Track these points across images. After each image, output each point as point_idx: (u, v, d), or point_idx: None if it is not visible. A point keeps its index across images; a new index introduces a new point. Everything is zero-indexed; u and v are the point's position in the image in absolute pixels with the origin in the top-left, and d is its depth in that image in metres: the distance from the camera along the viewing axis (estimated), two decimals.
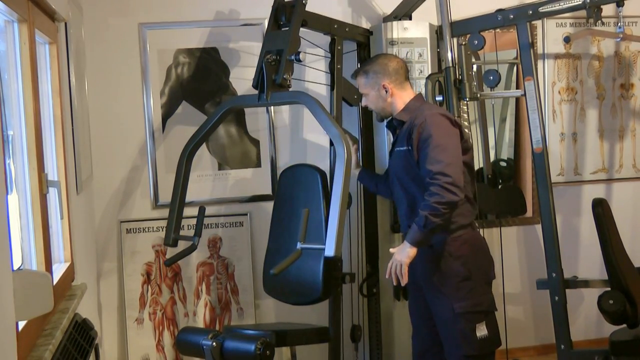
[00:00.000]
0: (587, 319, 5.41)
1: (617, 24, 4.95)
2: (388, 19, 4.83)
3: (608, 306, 4.19)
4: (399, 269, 3.50)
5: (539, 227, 4.82)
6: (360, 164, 4.45)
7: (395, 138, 3.83)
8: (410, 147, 3.62)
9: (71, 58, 3.87)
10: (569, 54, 5.37)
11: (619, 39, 5.32)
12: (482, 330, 3.64)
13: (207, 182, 4.90)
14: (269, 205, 4.67)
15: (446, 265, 3.60)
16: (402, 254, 3.51)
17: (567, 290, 4.51)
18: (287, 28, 4.21)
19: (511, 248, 5.28)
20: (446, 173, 3.42)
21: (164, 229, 4.41)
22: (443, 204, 3.41)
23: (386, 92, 3.78)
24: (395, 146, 3.78)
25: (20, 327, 2.36)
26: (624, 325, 4.26)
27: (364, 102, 3.93)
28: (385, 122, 4.03)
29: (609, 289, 4.24)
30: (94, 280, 4.62)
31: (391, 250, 3.61)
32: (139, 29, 4.77)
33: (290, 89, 4.14)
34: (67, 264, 3.49)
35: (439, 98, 4.29)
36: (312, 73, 4.81)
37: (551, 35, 5.33)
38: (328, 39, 4.68)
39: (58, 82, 3.56)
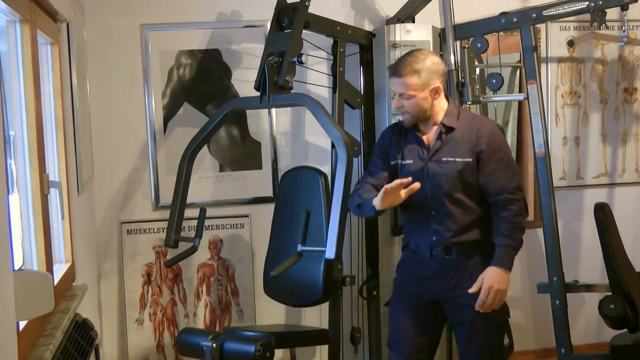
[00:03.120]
0: (587, 323, 5.42)
1: (621, 27, 4.98)
2: (391, 21, 4.84)
3: (609, 310, 4.20)
4: (500, 298, 3.38)
5: (540, 231, 4.83)
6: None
7: (438, 145, 3.49)
8: (472, 159, 3.44)
9: (73, 59, 3.88)
10: (573, 58, 5.38)
11: (622, 43, 5.32)
12: (506, 339, 3.65)
13: (208, 183, 4.92)
14: (270, 207, 4.68)
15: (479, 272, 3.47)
16: (502, 282, 3.36)
17: (568, 294, 4.52)
18: (289, 30, 4.22)
19: None
20: (521, 189, 3.46)
21: (165, 230, 4.43)
22: (523, 221, 3.46)
23: (436, 94, 3.49)
24: (440, 155, 3.48)
25: (21, 327, 2.37)
26: (625, 330, 4.28)
27: (400, 104, 3.48)
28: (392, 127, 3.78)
29: (610, 293, 4.26)
30: (95, 280, 4.63)
31: (474, 289, 3.36)
32: (141, 30, 4.78)
33: (292, 91, 4.15)
34: (68, 265, 3.50)
35: None
36: (314, 75, 4.82)
37: (555, 38, 5.34)
38: (330, 41, 4.69)
39: (60, 83, 3.57)
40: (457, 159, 3.45)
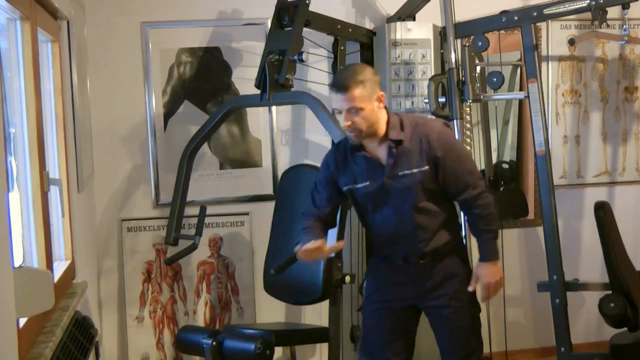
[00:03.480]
0: (587, 322, 5.42)
1: (623, 26, 4.96)
2: (391, 19, 4.85)
3: (609, 309, 4.21)
4: (499, 287, 3.45)
5: (540, 230, 4.84)
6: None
7: (392, 161, 3.34)
8: (430, 166, 3.32)
9: (73, 56, 3.89)
10: (574, 57, 5.38)
11: (623, 42, 5.32)
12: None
13: (208, 181, 4.92)
14: (270, 205, 4.68)
15: (462, 272, 3.50)
16: (497, 274, 3.43)
17: (568, 293, 4.53)
18: (290, 28, 4.23)
19: (512, 250, 5.30)
20: (480, 177, 3.44)
21: (165, 228, 4.45)
22: (492, 209, 3.43)
23: (380, 103, 3.31)
24: (396, 170, 3.33)
25: (21, 324, 2.38)
26: (625, 329, 4.28)
27: (349, 120, 3.24)
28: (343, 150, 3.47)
29: (610, 292, 4.27)
30: (95, 278, 4.64)
31: (473, 287, 3.40)
32: (142, 27, 4.78)
33: (293, 89, 4.16)
34: (68, 262, 3.51)
35: (441, 99, 4.31)
36: (315, 73, 4.82)
37: (556, 37, 5.34)
38: (331, 39, 4.70)
39: (60, 81, 3.58)
40: (415, 170, 3.32)
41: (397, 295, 3.50)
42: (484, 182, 3.48)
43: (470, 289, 3.40)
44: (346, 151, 3.45)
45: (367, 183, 3.38)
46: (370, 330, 3.60)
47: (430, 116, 4.60)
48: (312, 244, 3.27)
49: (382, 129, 3.32)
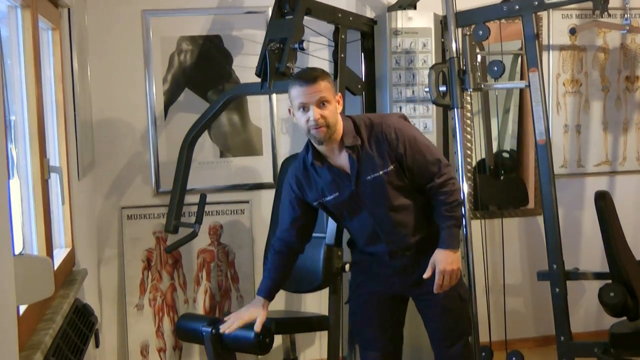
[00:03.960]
0: (587, 311, 5.43)
1: (624, 15, 4.98)
2: (392, 8, 4.84)
3: (609, 299, 4.21)
4: (455, 277, 3.36)
5: (540, 219, 4.84)
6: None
7: (355, 167, 3.28)
8: (395, 164, 3.28)
9: (74, 44, 3.88)
10: (575, 46, 5.37)
11: (625, 31, 5.32)
12: None
13: (208, 169, 4.92)
14: (270, 194, 4.69)
15: None
16: (454, 262, 3.33)
17: (568, 282, 4.54)
18: (291, 16, 4.22)
19: (512, 239, 5.30)
20: (445, 162, 3.39)
21: (165, 216, 4.45)
22: (458, 196, 3.40)
23: (338, 104, 3.28)
24: (363, 175, 3.29)
25: (21, 312, 2.38)
26: (624, 318, 4.29)
27: (318, 114, 3.15)
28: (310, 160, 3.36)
29: (610, 281, 4.27)
30: (95, 266, 4.65)
31: (428, 274, 3.33)
32: (142, 15, 4.78)
33: None
34: (68, 250, 3.51)
35: (442, 88, 4.30)
36: (316, 62, 4.81)
37: (557, 26, 5.33)
38: (332, 27, 4.69)
39: (60, 68, 3.58)
40: (380, 173, 3.28)
41: (384, 286, 3.51)
42: (451, 169, 3.42)
43: (425, 276, 3.34)
44: (307, 167, 3.39)
45: (337, 194, 3.34)
46: (360, 322, 3.62)
47: (431, 105, 4.62)
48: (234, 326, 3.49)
49: (340, 132, 3.25)
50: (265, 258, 4.02)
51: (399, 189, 3.32)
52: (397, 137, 3.28)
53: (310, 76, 3.19)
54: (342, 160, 3.30)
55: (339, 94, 3.30)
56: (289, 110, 3.31)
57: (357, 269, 3.63)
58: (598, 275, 4.56)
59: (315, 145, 3.29)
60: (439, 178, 3.33)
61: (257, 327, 3.47)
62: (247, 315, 3.50)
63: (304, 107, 3.18)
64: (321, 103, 3.16)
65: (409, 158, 3.29)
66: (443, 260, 3.33)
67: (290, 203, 3.47)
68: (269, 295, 3.55)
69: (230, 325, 3.49)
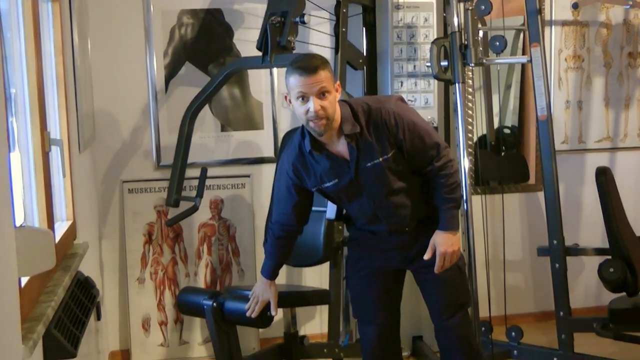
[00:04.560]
0: (586, 287, 5.44)
1: None
2: None
3: (608, 274, 4.23)
4: (456, 257, 3.39)
5: (541, 195, 4.83)
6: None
7: (355, 155, 3.23)
8: (394, 150, 3.24)
9: (74, 17, 3.87)
10: (577, 21, 5.34)
11: (628, 6, 5.28)
12: None
13: (209, 143, 4.92)
14: (271, 168, 4.68)
15: None
16: (454, 244, 3.35)
17: (568, 258, 4.55)
18: None
19: (513, 215, 5.31)
20: (444, 145, 3.36)
21: (166, 190, 4.44)
22: (457, 178, 3.39)
23: (336, 94, 3.21)
24: (363, 163, 3.24)
25: (22, 284, 2.39)
26: (624, 294, 4.30)
27: (319, 106, 3.08)
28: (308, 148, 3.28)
29: (609, 257, 4.28)
30: (96, 239, 4.65)
31: (429, 256, 3.35)
32: None
33: (295, 52, 4.14)
34: (69, 223, 3.52)
35: (444, 63, 4.28)
36: (317, 36, 4.79)
37: (559, 1, 5.29)
38: (333, 1, 4.66)
39: (61, 41, 3.56)
40: (380, 159, 3.24)
41: (384, 261, 3.52)
42: (450, 151, 3.40)
43: (425, 257, 3.36)
44: (304, 154, 3.32)
45: (336, 181, 3.31)
46: (360, 297, 3.63)
47: (432, 80, 4.61)
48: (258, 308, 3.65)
49: (338, 120, 3.19)
50: (265, 238, 4.02)
51: (398, 172, 3.30)
52: (397, 123, 3.22)
53: (311, 66, 3.09)
54: (341, 147, 3.25)
55: (338, 82, 3.23)
56: (286, 97, 3.25)
57: (355, 245, 3.62)
58: (598, 251, 4.57)
59: (313, 134, 3.23)
60: (438, 161, 3.32)
61: (274, 311, 3.65)
62: (263, 297, 3.65)
63: (303, 97, 3.10)
64: (321, 94, 3.08)
65: (408, 143, 3.25)
66: (444, 243, 3.35)
67: (287, 189, 3.44)
68: (274, 276, 3.67)
69: (255, 309, 3.65)
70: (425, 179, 3.39)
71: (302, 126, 3.28)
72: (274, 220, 3.59)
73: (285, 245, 3.61)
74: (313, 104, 3.07)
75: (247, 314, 3.66)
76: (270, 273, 3.64)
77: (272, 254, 3.62)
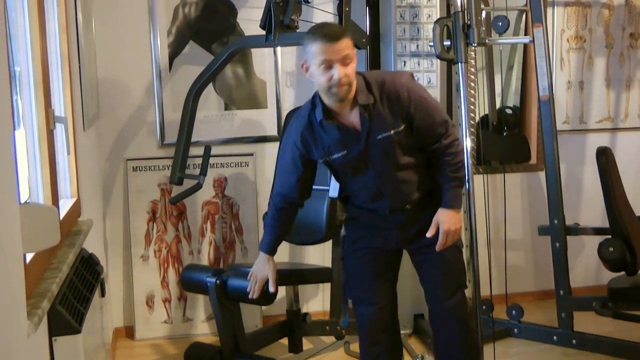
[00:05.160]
0: (586, 266, 5.44)
1: None
2: None
3: (608, 254, 4.23)
4: (457, 235, 3.40)
5: (542, 174, 4.83)
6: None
7: (366, 126, 3.21)
8: (405, 124, 3.23)
9: None
10: (579, 2, 5.31)
11: None
12: None
13: (213, 122, 4.91)
14: (274, 146, 4.67)
15: None
16: (457, 222, 3.35)
17: (568, 237, 4.56)
18: None
19: (514, 194, 5.30)
20: (452, 125, 3.35)
21: (170, 168, 4.44)
22: (462, 157, 3.40)
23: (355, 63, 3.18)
24: (373, 135, 3.22)
25: (27, 260, 2.39)
26: (623, 273, 4.31)
27: (344, 72, 3.07)
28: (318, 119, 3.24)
29: (609, 236, 4.28)
30: (100, 216, 4.65)
31: (432, 233, 3.34)
32: None
33: (298, 31, 4.12)
34: (74, 200, 3.51)
35: (446, 43, 4.26)
36: (320, 15, 4.77)
37: None
38: None
39: (65, 20, 3.54)
40: (391, 132, 3.22)
41: (383, 241, 3.48)
42: (455, 130, 3.41)
43: (428, 235, 3.35)
44: (313, 124, 3.29)
45: (344, 152, 3.27)
46: (357, 278, 3.57)
47: (435, 59, 4.59)
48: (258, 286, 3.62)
49: (354, 90, 3.17)
50: (265, 213, 4.01)
51: (406, 148, 3.28)
52: (409, 97, 3.21)
53: (335, 33, 3.08)
54: (353, 118, 3.23)
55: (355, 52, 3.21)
56: (302, 66, 3.20)
57: (354, 225, 3.57)
58: (598, 231, 4.56)
59: (328, 102, 3.20)
60: (446, 139, 3.31)
61: (273, 288, 3.59)
62: (261, 276, 3.60)
63: (327, 64, 3.07)
64: (345, 61, 3.07)
65: (418, 119, 3.24)
66: (447, 221, 3.34)
67: (293, 160, 3.39)
68: (272, 252, 3.62)
69: (255, 289, 3.62)
70: (430, 156, 3.37)
71: (313, 96, 3.28)
72: (275, 192, 3.55)
73: (286, 218, 3.57)
74: (338, 71, 3.05)
75: (249, 296, 3.64)
76: (269, 247, 3.60)
77: (272, 226, 3.58)
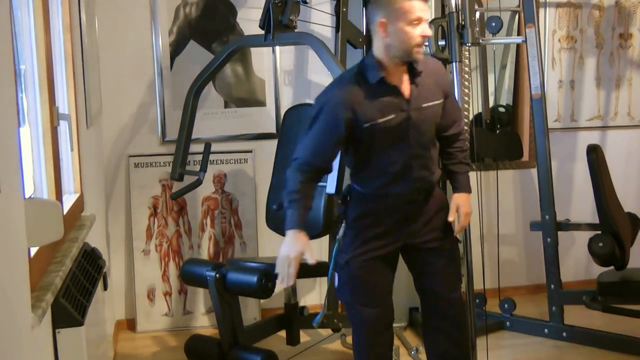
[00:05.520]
0: (577, 261, 5.45)
1: None
2: None
3: (598, 249, 4.24)
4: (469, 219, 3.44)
5: (534, 171, 4.84)
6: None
7: (415, 92, 3.16)
8: (442, 99, 3.25)
9: None
10: (570, 3, 5.32)
11: None
12: None
13: (213, 119, 4.91)
14: (273, 143, 4.66)
15: (447, 204, 3.43)
16: (470, 205, 3.41)
17: (559, 233, 4.56)
18: None
19: (507, 191, 5.31)
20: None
21: (171, 164, 4.44)
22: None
23: None
24: (419, 102, 3.17)
25: (32, 254, 2.39)
26: (612, 267, 4.32)
27: (430, 31, 3.22)
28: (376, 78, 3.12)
29: (599, 232, 4.29)
30: (103, 211, 4.65)
31: (453, 217, 3.35)
32: None
33: (296, 30, 4.12)
34: (77, 195, 3.51)
35: (441, 42, 4.25)
36: (318, 15, 4.77)
37: None
38: None
39: (69, 19, 3.54)
40: (435, 102, 3.22)
41: (391, 238, 3.32)
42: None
43: (450, 218, 3.35)
44: (364, 86, 3.13)
45: (392, 116, 3.12)
46: (363, 282, 3.35)
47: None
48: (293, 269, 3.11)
49: None
50: (269, 199, 4.00)
51: (436, 125, 3.29)
52: (444, 74, 3.33)
53: None
54: (404, 84, 3.17)
55: None
56: (382, 23, 3.06)
57: (360, 226, 3.33)
58: (588, 226, 4.57)
59: (392, 63, 3.11)
60: (459, 126, 3.38)
61: (313, 259, 3.13)
62: (295, 254, 3.12)
63: (419, 22, 3.02)
64: (425, 22, 3.06)
65: (449, 100, 3.32)
66: (465, 204, 3.39)
67: (335, 124, 3.12)
68: (302, 225, 3.18)
69: (290, 274, 3.13)
70: (442, 144, 3.39)
71: (362, 61, 3.21)
72: (302, 163, 3.19)
73: (313, 190, 3.24)
74: (427, 29, 3.04)
75: (283, 286, 3.29)
76: (299, 220, 3.15)
77: (300, 199, 3.16)
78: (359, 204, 3.35)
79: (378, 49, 3.13)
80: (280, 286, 3.25)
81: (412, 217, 3.33)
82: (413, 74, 3.16)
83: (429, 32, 3.07)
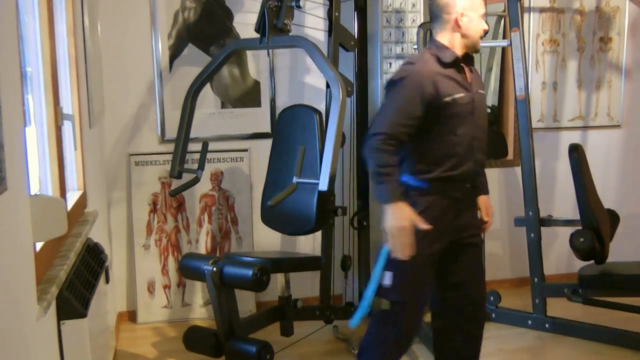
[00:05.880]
0: (559, 255, 5.47)
1: None
2: None
3: (579, 244, 4.26)
4: None
5: (518, 170, 4.86)
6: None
7: (471, 78, 3.24)
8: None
9: (85, 1, 3.85)
10: (554, 8, 5.34)
11: None
12: None
13: (210, 119, 4.91)
14: (268, 142, 4.68)
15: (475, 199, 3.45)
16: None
17: (542, 228, 4.58)
18: None
19: (492, 188, 5.25)
20: None
21: (170, 162, 4.45)
22: None
23: None
24: (475, 87, 3.24)
25: (37, 248, 2.40)
26: (592, 262, 4.34)
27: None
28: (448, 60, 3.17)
29: (580, 228, 4.31)
30: (105, 208, 4.66)
31: (490, 217, 3.46)
32: None
33: (290, 34, 4.13)
34: (80, 192, 3.52)
35: None
36: (311, 19, 4.78)
37: None
38: None
39: (72, 23, 3.55)
40: (483, 91, 3.32)
41: (448, 237, 3.23)
42: None
43: (487, 218, 3.44)
44: (439, 63, 3.16)
45: (463, 94, 3.14)
46: (423, 280, 3.24)
47: None
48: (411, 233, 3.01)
49: None
50: (264, 196, 3.97)
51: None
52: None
53: None
54: (466, 69, 3.25)
55: None
56: (461, 15, 3.16)
57: (427, 217, 3.10)
58: (569, 222, 4.59)
59: (462, 50, 3.21)
60: None
61: (426, 225, 3.03)
62: (410, 223, 3.01)
63: (483, 17, 3.22)
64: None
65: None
66: (490, 205, 3.47)
67: (420, 98, 3.05)
68: (402, 197, 3.05)
69: (411, 244, 3.01)
70: None
71: (432, 46, 3.24)
72: (389, 133, 3.04)
73: (398, 160, 3.13)
74: (485, 23, 3.24)
75: (404, 256, 3.02)
76: (398, 191, 3.03)
77: (392, 173, 3.04)
78: (430, 191, 3.19)
79: (447, 38, 3.21)
80: (402, 257, 3.01)
81: (467, 207, 3.29)
82: (468, 63, 3.27)
83: (487, 27, 3.25)
